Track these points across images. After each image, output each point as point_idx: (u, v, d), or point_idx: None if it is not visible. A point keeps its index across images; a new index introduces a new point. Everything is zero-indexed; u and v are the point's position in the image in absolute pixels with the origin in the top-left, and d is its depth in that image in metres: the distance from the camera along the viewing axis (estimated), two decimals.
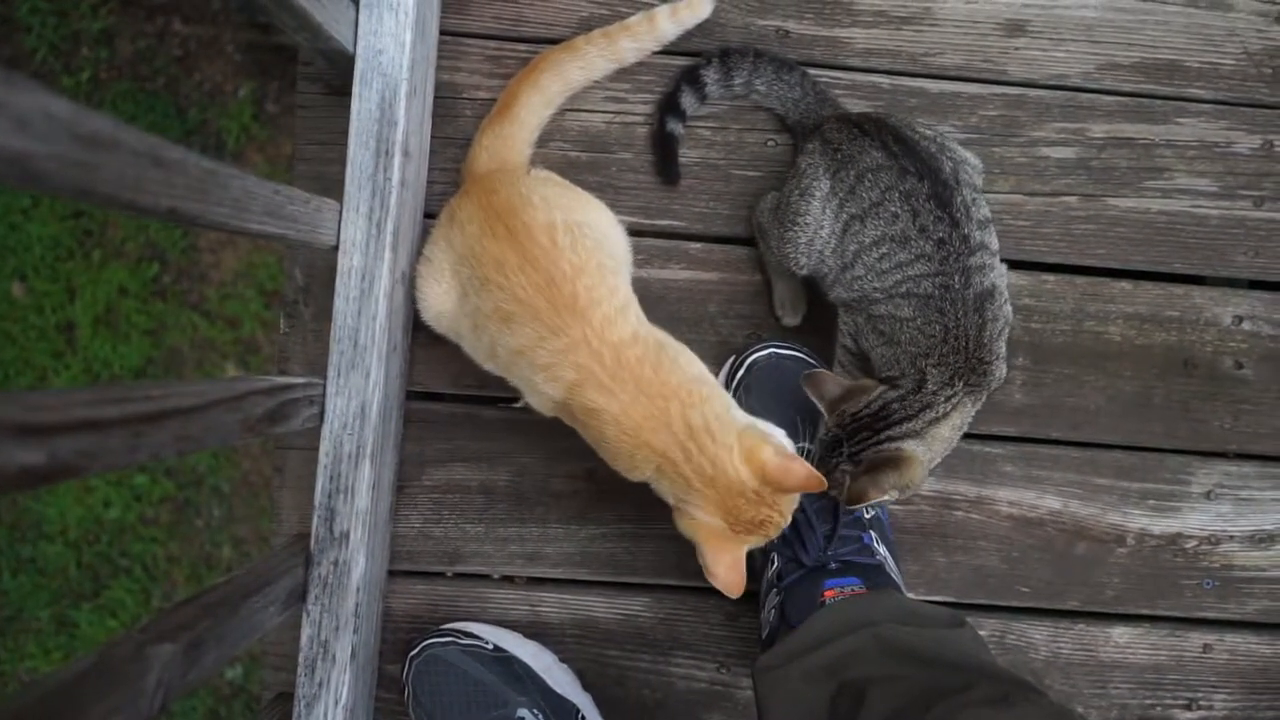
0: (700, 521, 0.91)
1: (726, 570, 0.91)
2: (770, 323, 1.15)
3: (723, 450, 0.89)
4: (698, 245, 1.15)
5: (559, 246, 0.93)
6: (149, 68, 2.25)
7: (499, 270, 0.93)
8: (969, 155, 1.01)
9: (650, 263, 1.14)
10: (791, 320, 1.14)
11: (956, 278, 0.93)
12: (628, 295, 0.96)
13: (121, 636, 0.70)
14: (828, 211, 0.98)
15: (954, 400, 0.94)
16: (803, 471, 0.89)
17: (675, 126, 1.11)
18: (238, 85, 2.26)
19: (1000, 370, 0.96)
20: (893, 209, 0.94)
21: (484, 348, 0.97)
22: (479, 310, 0.95)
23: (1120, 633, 1.18)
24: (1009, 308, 0.97)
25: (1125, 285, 1.17)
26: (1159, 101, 1.17)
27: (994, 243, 0.97)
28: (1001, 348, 0.96)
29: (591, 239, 0.96)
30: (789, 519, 0.93)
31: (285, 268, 1.14)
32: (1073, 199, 1.17)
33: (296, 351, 1.12)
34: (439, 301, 1.00)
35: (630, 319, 0.94)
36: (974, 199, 0.96)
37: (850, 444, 0.95)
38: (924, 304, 0.94)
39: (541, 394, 0.95)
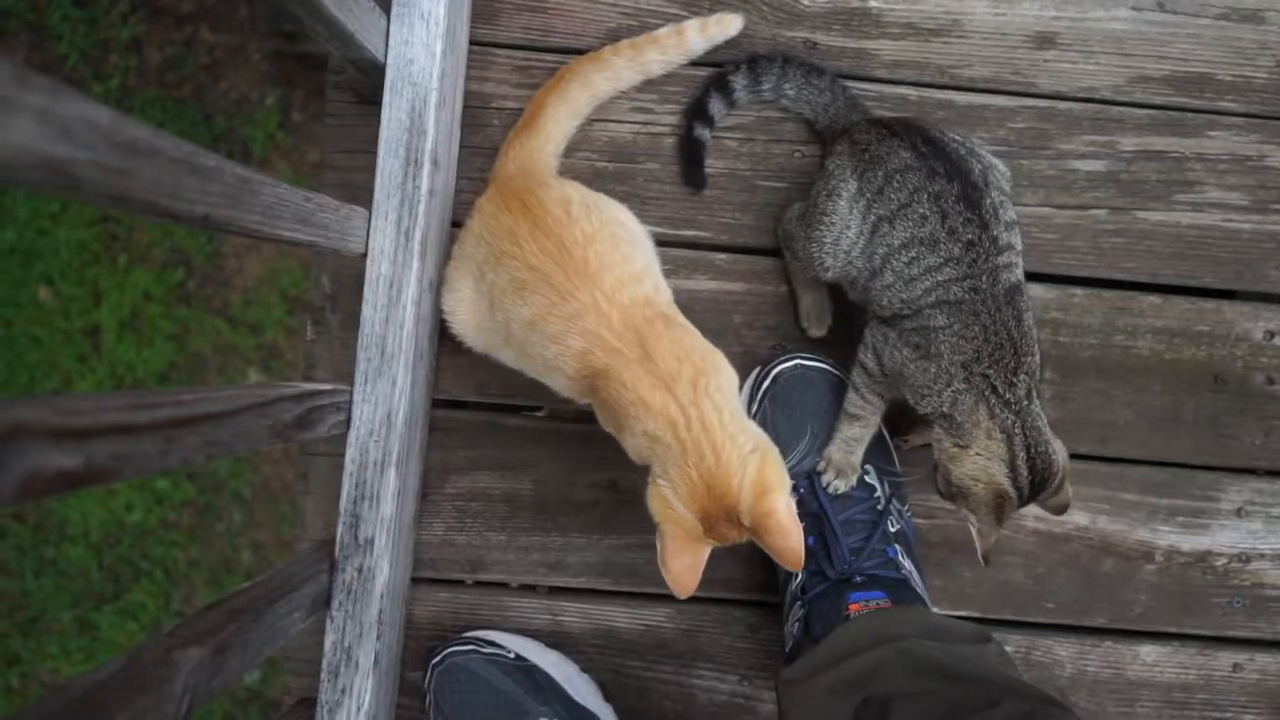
0: (673, 510, 0.86)
1: (683, 570, 0.87)
2: (796, 334, 1.14)
3: (733, 450, 0.86)
4: (723, 256, 1.15)
5: (572, 217, 0.93)
6: (176, 75, 2.28)
7: (512, 240, 0.93)
8: (997, 162, 1.01)
9: (676, 273, 1.14)
10: (817, 332, 1.14)
11: (984, 278, 0.92)
12: (645, 267, 0.95)
13: (149, 641, 0.70)
14: (855, 212, 0.98)
15: (1033, 399, 0.93)
16: (795, 544, 0.84)
17: (703, 133, 1.11)
18: (264, 93, 2.28)
19: (1038, 355, 0.95)
20: (921, 210, 0.93)
21: (500, 330, 0.97)
22: (495, 286, 0.95)
23: (1148, 651, 1.16)
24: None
25: (1154, 299, 1.16)
26: (1190, 114, 1.16)
27: (1019, 244, 0.96)
28: (1035, 332, 0.95)
29: (607, 215, 0.96)
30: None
31: (312, 275, 1.14)
32: (1102, 212, 1.16)
33: (323, 358, 1.13)
34: (457, 291, 1.00)
35: (645, 286, 0.92)
36: (1002, 201, 0.95)
37: (1028, 506, 0.95)
38: (957, 309, 0.92)
39: (556, 370, 0.93)
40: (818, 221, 1.00)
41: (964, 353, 0.92)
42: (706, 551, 0.88)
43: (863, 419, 1.02)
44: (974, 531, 0.93)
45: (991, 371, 0.91)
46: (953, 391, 0.92)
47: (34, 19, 2.26)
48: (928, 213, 0.93)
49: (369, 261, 0.99)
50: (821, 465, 1.04)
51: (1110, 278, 1.16)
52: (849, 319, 1.11)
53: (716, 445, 0.86)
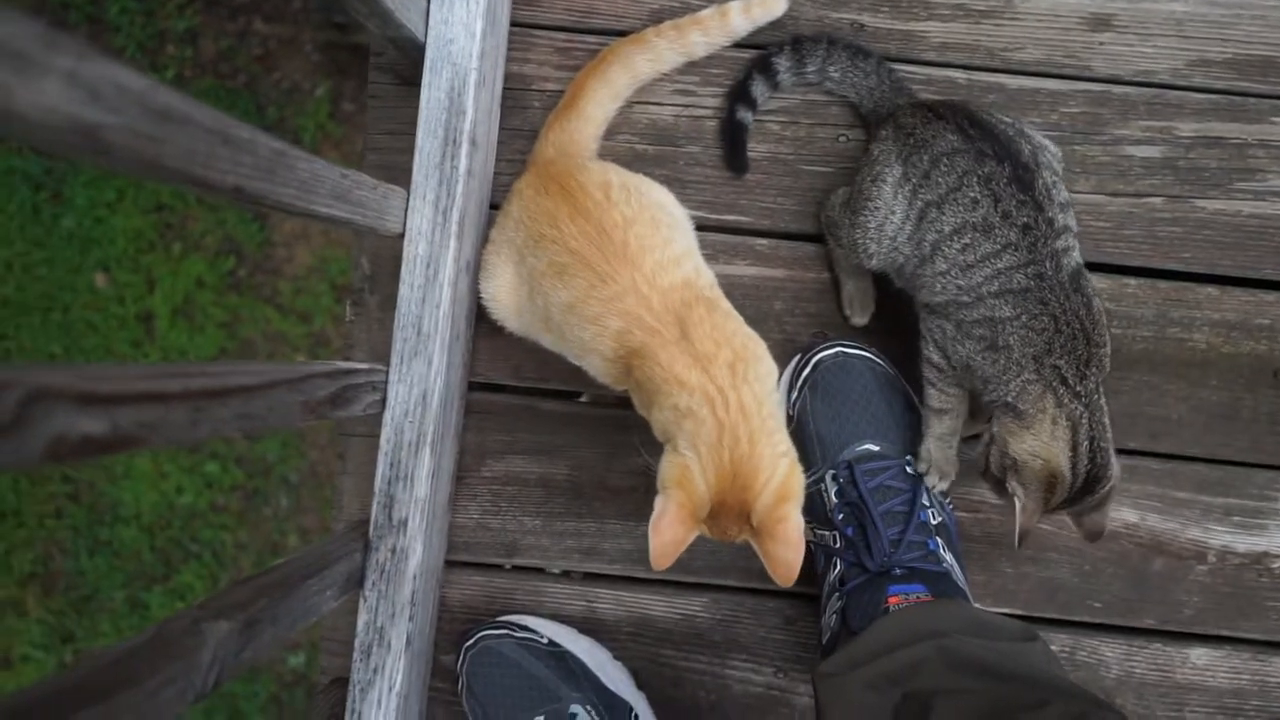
0: (691, 484, 0.84)
1: (671, 543, 0.84)
2: (837, 322, 1.12)
3: (768, 447, 0.84)
4: (764, 241, 1.13)
5: (612, 200, 0.92)
6: (230, 66, 2.30)
7: (552, 224, 0.92)
8: (1048, 142, 0.97)
9: (716, 258, 1.12)
10: (860, 320, 1.11)
11: (1048, 263, 0.89)
12: (685, 250, 0.94)
13: (179, 613, 0.70)
14: (899, 197, 0.95)
15: (1101, 393, 0.90)
16: (796, 558, 0.83)
17: (745, 116, 1.09)
18: (315, 84, 2.29)
19: (1109, 344, 0.92)
20: (972, 194, 0.90)
21: (539, 314, 0.96)
22: (534, 270, 0.94)
23: (1199, 654, 1.12)
24: None
25: (1212, 291, 1.12)
26: (1253, 100, 1.11)
27: (1075, 225, 0.93)
28: (1104, 319, 0.92)
29: (647, 199, 0.95)
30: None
31: (352, 256, 1.14)
32: (1158, 200, 1.12)
33: (361, 339, 1.13)
34: (497, 275, 0.99)
35: (685, 269, 0.91)
36: (1054, 182, 0.92)
37: (1071, 509, 0.92)
38: (1023, 297, 0.89)
39: (593, 353, 0.92)
40: (861, 207, 0.98)
41: (1035, 345, 0.89)
42: (694, 535, 0.86)
43: (949, 411, 0.99)
44: (1017, 507, 0.89)
45: (1063, 363, 0.88)
46: (1021, 382, 0.89)
47: (93, 11, 2.30)
48: (979, 196, 0.90)
49: (406, 241, 0.98)
50: (923, 466, 1.01)
51: (1166, 268, 1.12)
52: (893, 307, 1.08)
53: (754, 435, 0.84)
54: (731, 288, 1.10)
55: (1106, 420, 0.90)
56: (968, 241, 0.91)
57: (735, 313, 0.93)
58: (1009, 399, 0.90)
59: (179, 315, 2.35)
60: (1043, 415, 0.88)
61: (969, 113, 0.94)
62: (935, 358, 0.97)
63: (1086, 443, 0.88)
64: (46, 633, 2.37)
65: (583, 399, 1.13)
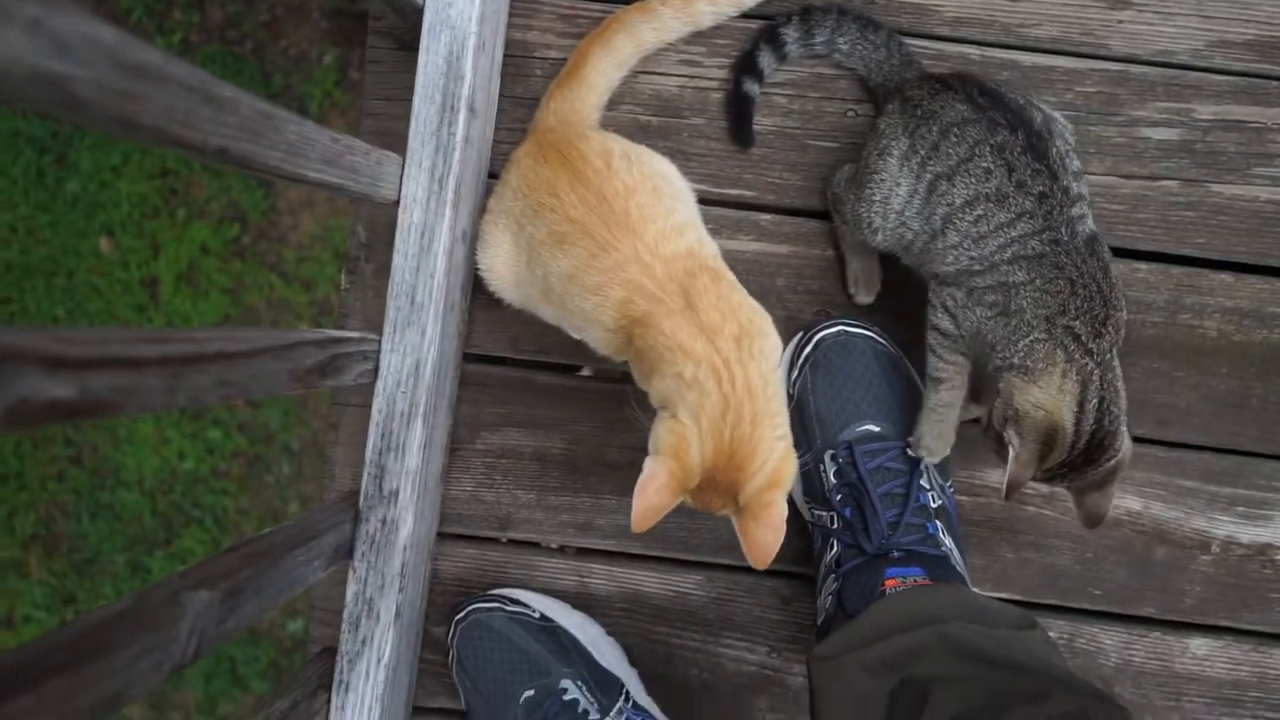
0: (685, 454, 0.82)
1: (654, 509, 0.81)
2: (840, 300, 1.09)
3: (769, 429, 0.82)
4: (768, 217, 1.10)
5: (613, 169, 0.90)
6: (237, 32, 2.27)
7: (550, 192, 0.90)
8: (1057, 114, 0.94)
9: (719, 233, 1.09)
10: (864, 298, 1.08)
11: (1064, 230, 0.86)
12: (688, 219, 0.91)
13: (159, 582, 0.69)
14: (906, 170, 0.92)
15: (1115, 357, 0.87)
16: (775, 543, 0.82)
17: (751, 88, 1.06)
18: (322, 52, 2.26)
19: (1125, 311, 0.89)
20: (985, 164, 0.87)
21: (538, 285, 0.94)
22: (533, 240, 0.92)
23: (1199, 644, 1.10)
24: None
25: (1225, 278, 1.09)
26: (1274, 83, 1.08)
27: (1087, 193, 0.90)
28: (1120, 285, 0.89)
29: (649, 168, 0.92)
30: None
31: (349, 224, 1.12)
32: (1173, 183, 1.09)
33: (356, 308, 1.11)
34: (495, 246, 0.97)
35: (688, 239, 0.89)
36: (1067, 151, 0.89)
37: (1069, 479, 0.88)
38: (1038, 263, 0.86)
39: (594, 324, 0.90)
40: (867, 181, 0.95)
41: (1048, 307, 0.86)
42: (674, 502, 0.83)
43: (948, 381, 0.95)
44: (1010, 455, 0.85)
45: (1077, 323, 0.85)
46: (1029, 341, 0.86)
47: None
48: (992, 166, 0.87)
49: (401, 209, 0.96)
50: (913, 440, 0.98)
51: (1179, 253, 1.09)
52: (899, 286, 1.06)
53: (757, 416, 0.83)
54: (734, 263, 1.07)
55: (1121, 386, 0.87)
56: (981, 213, 0.88)
57: (740, 286, 0.90)
58: (1016, 359, 0.87)
59: (183, 281, 2.34)
60: (1052, 369, 0.85)
61: (978, 82, 0.91)
62: (944, 323, 0.93)
63: (1095, 400, 0.85)
64: (49, 594, 2.38)
65: (584, 372, 1.11)
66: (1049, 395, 0.85)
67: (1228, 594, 1.10)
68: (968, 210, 0.89)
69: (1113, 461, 0.87)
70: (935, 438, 0.97)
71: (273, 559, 0.80)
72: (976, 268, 0.89)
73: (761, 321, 0.88)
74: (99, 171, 2.31)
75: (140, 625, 0.64)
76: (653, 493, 0.81)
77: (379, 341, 0.96)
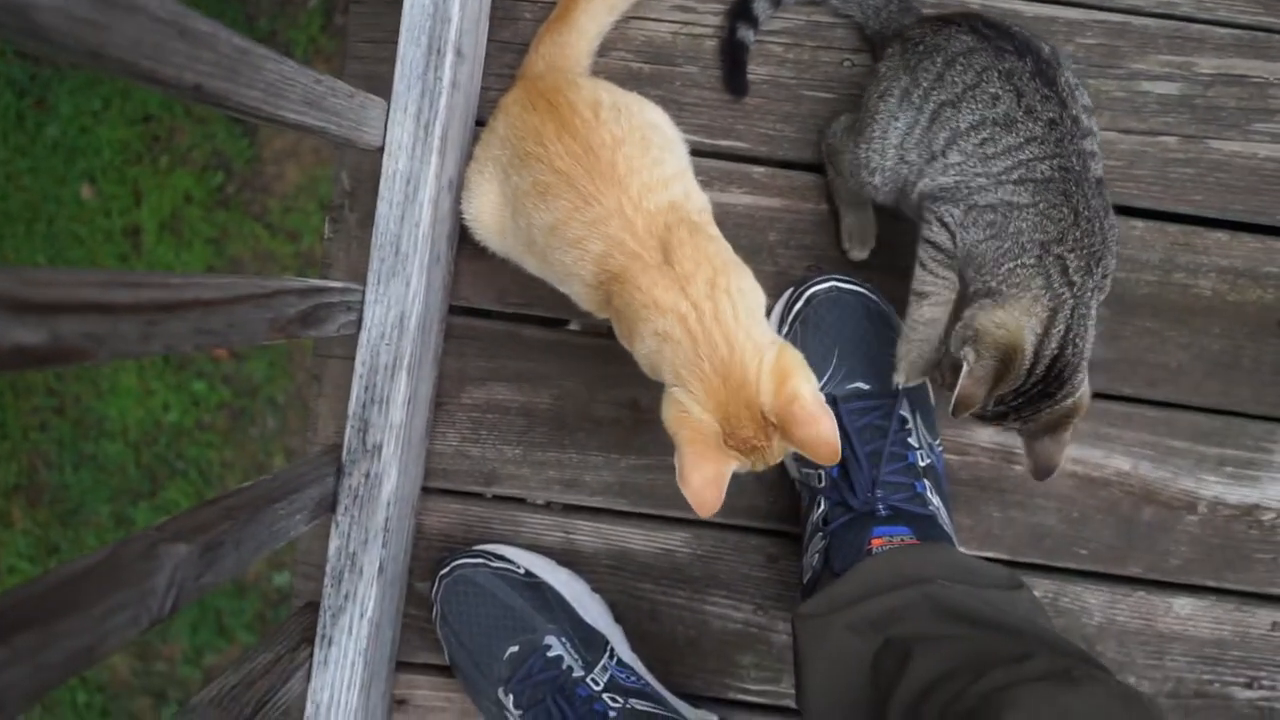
0: (690, 416, 0.79)
1: (704, 483, 0.78)
2: (834, 256, 1.07)
3: (748, 341, 0.79)
4: (761, 169, 1.07)
5: (601, 120, 0.87)
6: None
7: (537, 141, 0.87)
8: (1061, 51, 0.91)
9: (710, 185, 1.06)
10: (859, 254, 1.06)
11: (1074, 159, 0.83)
12: (676, 172, 0.88)
13: (135, 535, 0.67)
14: (906, 105, 0.89)
15: (1097, 300, 0.83)
16: (829, 432, 0.77)
17: (746, 34, 1.03)
18: None
19: (1114, 263, 0.86)
20: (992, 90, 0.84)
21: (522, 236, 0.91)
22: (518, 190, 0.89)
23: (1182, 604, 1.10)
24: None
25: (1221, 236, 1.07)
26: (1278, 36, 1.05)
27: (1097, 131, 0.87)
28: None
29: (639, 118, 0.89)
30: (776, 461, 0.82)
31: (333, 171, 1.09)
32: (1171, 139, 1.06)
33: (340, 258, 1.08)
34: (481, 195, 0.94)
35: (673, 191, 0.86)
36: (1076, 84, 0.86)
37: (1021, 415, 0.85)
38: (1044, 187, 0.83)
39: (574, 278, 0.88)
40: (867, 125, 0.92)
41: (1046, 232, 0.82)
42: (729, 466, 0.80)
43: (932, 295, 0.90)
44: (964, 371, 0.81)
45: (1071, 255, 0.82)
46: (1014, 266, 0.83)
47: None
48: (999, 92, 0.84)
49: (385, 156, 0.93)
50: (896, 360, 0.94)
51: (1175, 210, 1.07)
52: (893, 242, 1.03)
53: (730, 336, 0.80)
54: (725, 216, 1.06)
55: (1092, 328, 0.84)
56: (987, 135, 0.85)
57: (722, 239, 0.88)
58: (995, 282, 0.83)
59: (166, 230, 2.30)
60: (1024, 294, 0.82)
61: (981, 15, 0.89)
62: (940, 237, 0.88)
63: (1062, 328, 0.81)
64: (33, 544, 2.36)
65: (573, 326, 1.09)
66: (1013, 316, 0.81)
67: (1213, 554, 1.09)
68: (973, 133, 0.85)
69: (1069, 401, 0.84)
70: (911, 361, 0.93)
71: (252, 512, 0.78)
72: (981, 182, 0.85)
73: (737, 267, 0.85)
74: (79, 116, 2.26)
75: (116, 579, 0.62)
76: (688, 471, 0.78)
77: (363, 292, 0.93)
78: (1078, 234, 0.82)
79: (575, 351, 1.08)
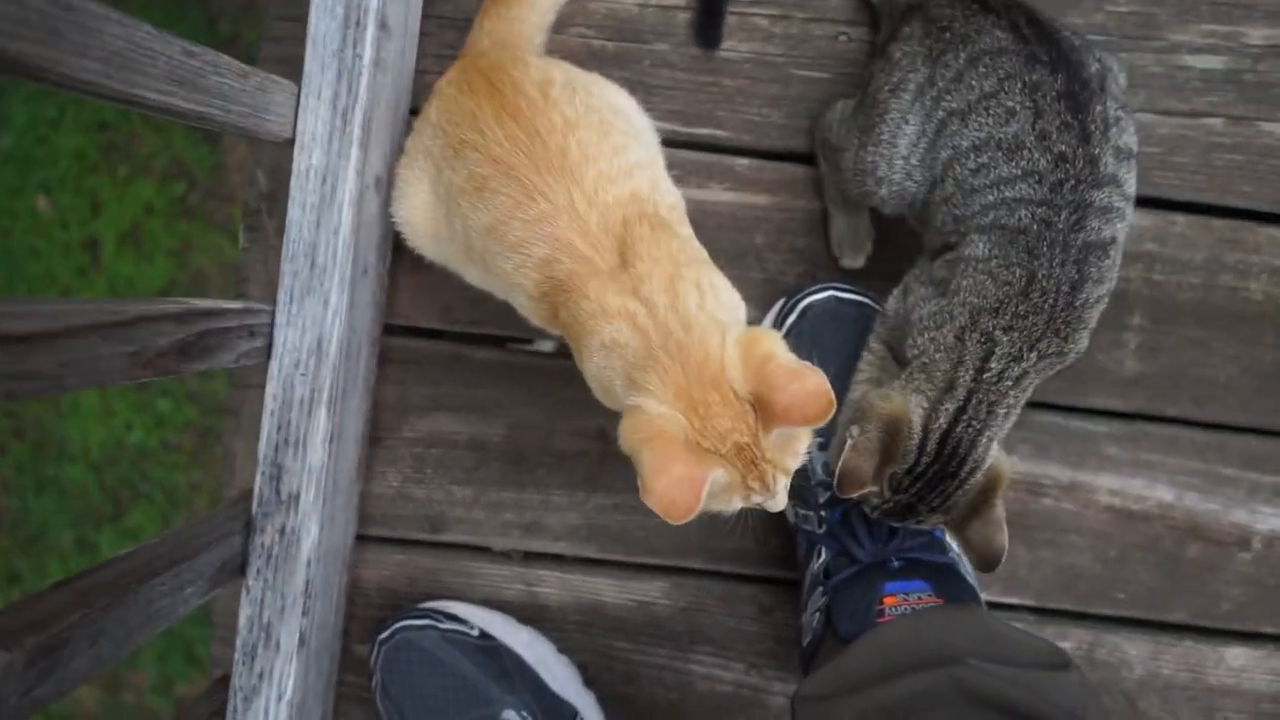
0: (649, 416, 0.62)
1: (671, 486, 0.60)
2: (831, 261, 0.91)
3: (706, 319, 0.64)
4: (745, 161, 0.91)
5: (551, 100, 0.70)
6: None
7: (473, 127, 0.70)
8: (1118, 70, 0.74)
9: (686, 180, 0.90)
10: (852, 262, 0.90)
11: (1065, 213, 0.68)
12: (640, 160, 0.71)
13: None
14: (919, 106, 0.73)
15: (1025, 382, 0.70)
16: (817, 385, 0.60)
17: None
18: None
19: (1084, 344, 0.71)
20: (1010, 104, 0.69)
21: (459, 241, 0.74)
22: (451, 186, 0.72)
23: (1235, 654, 0.94)
24: (1115, 275, 0.71)
25: (1274, 232, 0.91)
26: None
27: (1131, 184, 0.71)
28: (1093, 319, 0.71)
29: (599, 100, 0.73)
30: (785, 474, 0.65)
31: (248, 169, 0.92)
32: (1217, 121, 0.90)
33: (257, 271, 0.91)
34: (412, 193, 0.77)
35: (636, 181, 0.69)
36: (1118, 118, 0.70)
37: (928, 501, 0.71)
38: (1009, 240, 0.68)
39: (517, 289, 0.71)
40: (875, 123, 0.75)
41: (983, 297, 0.69)
42: (706, 468, 0.61)
43: (862, 372, 0.80)
44: (848, 444, 0.68)
45: (1001, 334, 0.68)
46: (931, 337, 0.70)
47: None
48: (1017, 107, 0.69)
49: (297, 149, 0.76)
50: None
51: (1222, 203, 0.91)
52: (895, 245, 0.87)
53: (686, 319, 0.64)
54: (704, 217, 0.89)
55: (999, 419, 0.70)
56: (985, 161, 0.70)
57: (694, 239, 0.72)
58: (913, 352, 0.72)
59: (126, 242, 2.17)
60: (923, 370, 0.70)
61: (1027, 9, 0.72)
62: (894, 306, 0.78)
63: (952, 409, 0.69)
64: None
65: (543, 347, 0.92)
66: (898, 389, 0.71)
67: (1270, 596, 0.93)
68: (972, 156, 0.70)
69: (977, 477, 0.70)
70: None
71: (117, 595, 0.61)
72: (953, 238, 0.72)
73: (706, 268, 0.69)
74: (35, 125, 2.13)
75: None
76: (651, 475, 0.60)
77: (271, 313, 0.76)
78: (1020, 307, 0.68)
79: (532, 375, 0.91)
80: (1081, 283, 0.69)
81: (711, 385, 0.62)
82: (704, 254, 0.70)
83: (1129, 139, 0.71)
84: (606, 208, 0.66)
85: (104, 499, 2.19)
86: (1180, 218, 0.91)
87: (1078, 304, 0.69)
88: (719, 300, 0.68)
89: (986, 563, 0.71)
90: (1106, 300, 0.71)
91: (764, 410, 0.62)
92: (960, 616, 0.72)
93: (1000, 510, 0.71)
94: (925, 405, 0.69)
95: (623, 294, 0.65)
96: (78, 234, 2.13)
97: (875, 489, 0.71)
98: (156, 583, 0.65)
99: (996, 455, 0.71)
